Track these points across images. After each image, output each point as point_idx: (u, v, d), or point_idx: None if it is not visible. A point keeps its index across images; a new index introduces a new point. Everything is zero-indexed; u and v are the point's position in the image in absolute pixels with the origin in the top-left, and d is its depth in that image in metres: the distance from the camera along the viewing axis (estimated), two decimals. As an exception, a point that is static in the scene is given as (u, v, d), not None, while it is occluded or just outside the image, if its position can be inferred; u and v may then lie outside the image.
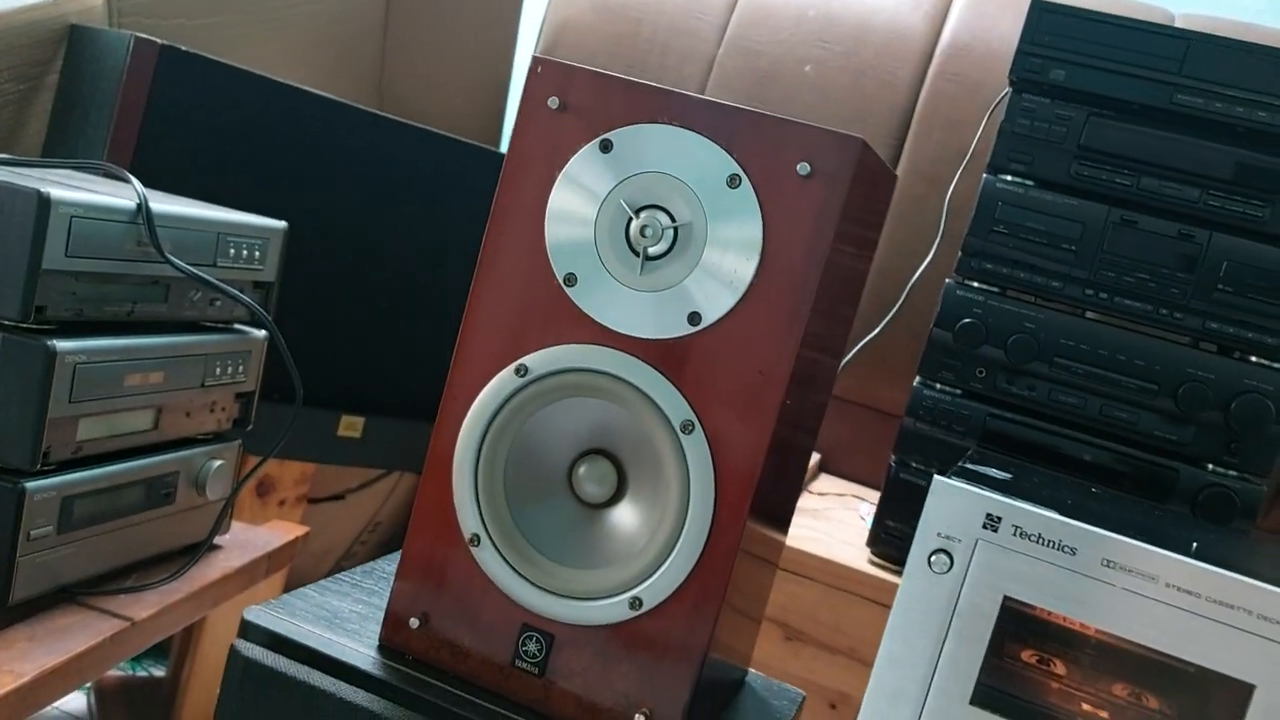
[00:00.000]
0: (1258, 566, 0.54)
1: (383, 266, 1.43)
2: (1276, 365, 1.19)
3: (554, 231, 0.65)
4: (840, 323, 0.73)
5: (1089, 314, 1.28)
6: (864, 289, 0.79)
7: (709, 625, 0.65)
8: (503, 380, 0.66)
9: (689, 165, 0.63)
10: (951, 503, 0.56)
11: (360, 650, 0.69)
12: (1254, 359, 1.24)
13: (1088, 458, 1.25)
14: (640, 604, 0.65)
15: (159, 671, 1.67)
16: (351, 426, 1.42)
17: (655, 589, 0.65)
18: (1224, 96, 1.18)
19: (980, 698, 0.56)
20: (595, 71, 0.65)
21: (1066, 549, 0.55)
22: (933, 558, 0.56)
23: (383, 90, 1.81)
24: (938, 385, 1.35)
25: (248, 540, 1.09)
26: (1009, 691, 0.55)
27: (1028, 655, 0.56)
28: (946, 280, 1.34)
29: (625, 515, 0.67)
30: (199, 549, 0.98)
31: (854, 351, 1.49)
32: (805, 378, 0.66)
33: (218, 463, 0.99)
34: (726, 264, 0.63)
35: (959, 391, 1.35)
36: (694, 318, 0.64)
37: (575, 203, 0.65)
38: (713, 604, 0.65)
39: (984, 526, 0.56)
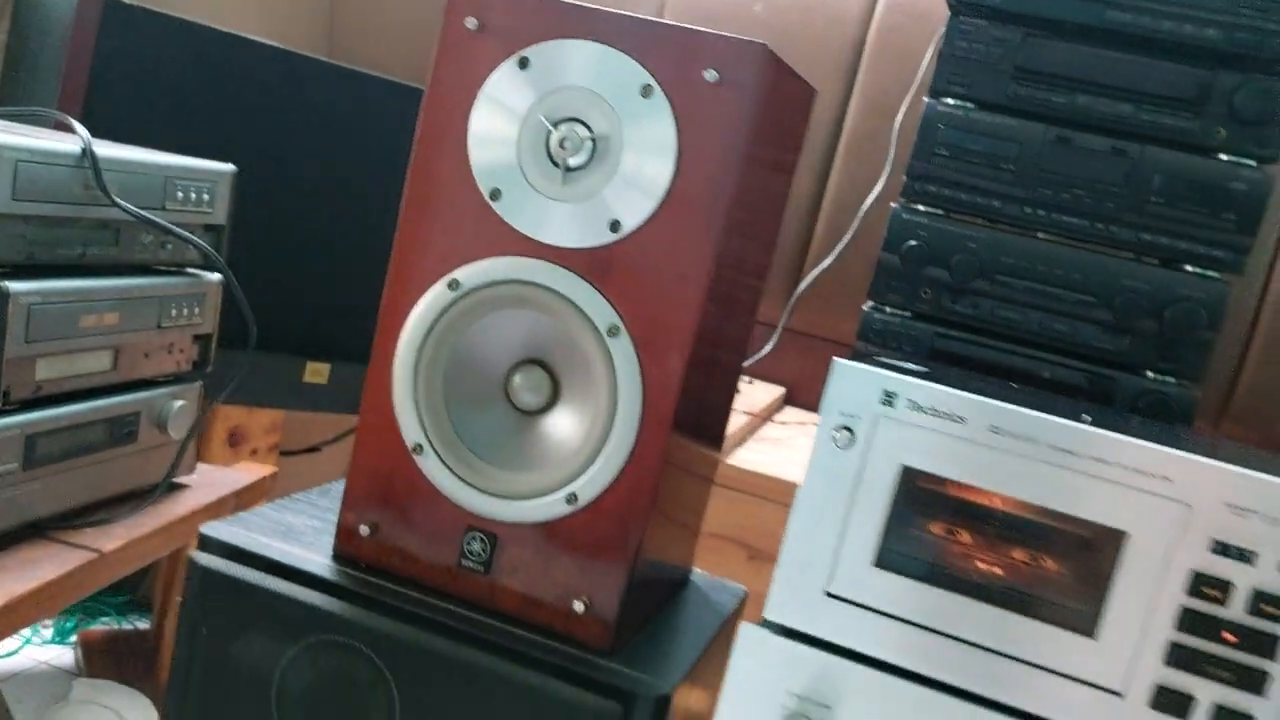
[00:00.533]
0: (1134, 433, 0.58)
1: (341, 213, 1.45)
2: (1209, 274, 1.23)
3: (477, 149, 0.68)
4: (761, 243, 0.76)
5: (1029, 232, 1.31)
6: (784, 210, 0.82)
7: (642, 518, 0.69)
8: (436, 294, 0.69)
9: (604, 78, 0.66)
10: (851, 382, 0.60)
11: (314, 558, 0.72)
12: (1188, 268, 1.28)
13: (1031, 370, 1.29)
14: (576, 499, 0.69)
15: (144, 624, 1.71)
16: (317, 373, 1.45)
17: (589, 485, 0.69)
18: (1152, 11, 1.21)
19: (884, 560, 0.60)
20: (511, -9, 0.68)
21: (956, 418, 0.59)
22: (836, 434, 0.60)
23: (332, 38, 1.82)
24: (887, 308, 1.39)
25: (216, 480, 1.12)
26: (910, 554, 0.59)
27: (928, 520, 0.60)
28: (892, 205, 1.37)
29: (560, 420, 0.71)
30: (162, 484, 1.02)
31: (808, 280, 1.53)
32: (726, 292, 0.70)
33: (179, 403, 1.02)
34: (644, 171, 0.66)
35: (907, 313, 1.38)
36: (615, 225, 0.67)
37: (496, 120, 0.68)
38: (644, 498, 0.69)
39: (881, 403, 0.60)
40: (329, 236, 1.46)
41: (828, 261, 1.50)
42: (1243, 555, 0.55)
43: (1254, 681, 0.55)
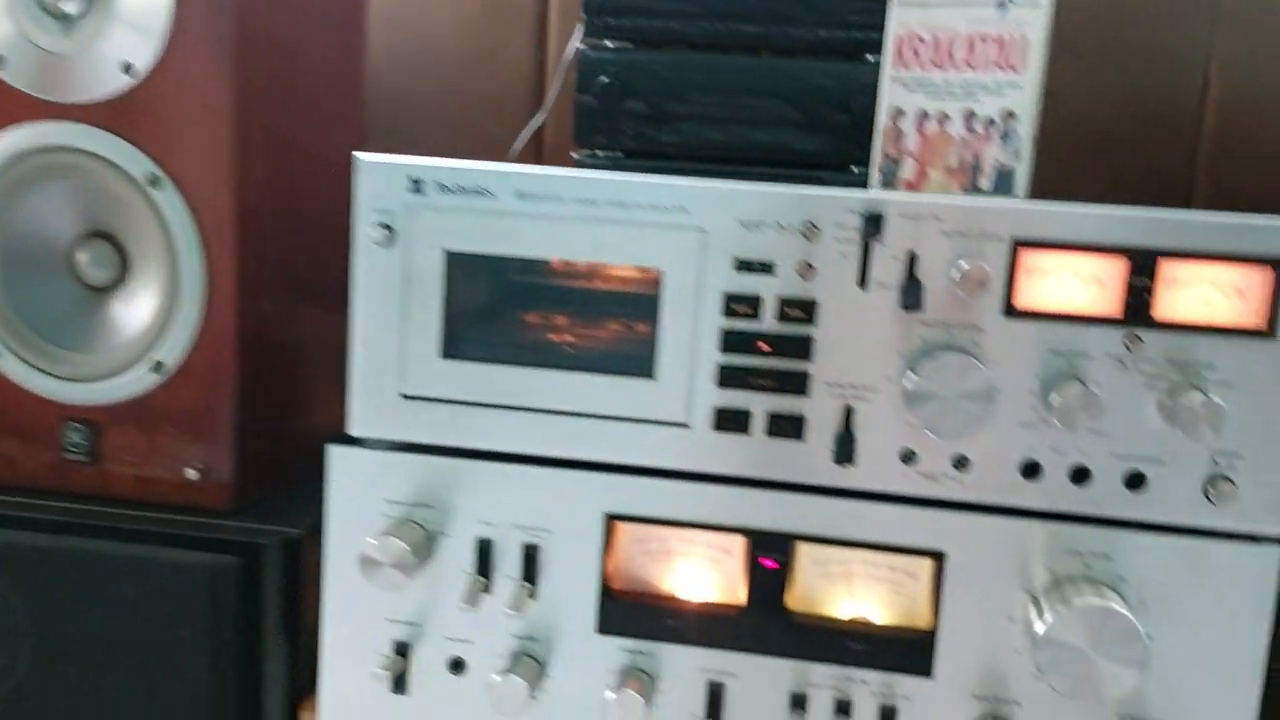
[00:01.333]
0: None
1: None
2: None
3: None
4: (322, 81, 0.74)
5: (713, 48, 1.30)
6: (359, 55, 0.79)
7: (231, 375, 0.67)
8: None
9: (70, -91, 0.61)
10: (378, 177, 0.58)
11: (-96, 486, 0.68)
12: (868, 57, 1.29)
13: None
14: (162, 367, 0.66)
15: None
16: None
17: (171, 351, 0.66)
18: None
19: (449, 350, 0.59)
20: None
21: (484, 192, 0.58)
22: (373, 232, 0.58)
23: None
24: (597, 152, 1.37)
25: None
26: (474, 338, 0.59)
27: (484, 301, 0.59)
28: (578, 46, 1.35)
29: (136, 291, 0.68)
30: None
31: (522, 140, 1.50)
32: (278, 128, 0.67)
33: None
34: (141, 7, 0.62)
35: (618, 153, 1.37)
36: (127, 68, 0.63)
37: (-28, -24, 0.62)
38: (228, 353, 0.66)
39: (411, 191, 0.58)
40: None
41: (539, 119, 1.48)
42: (763, 268, 0.56)
43: (797, 383, 0.56)
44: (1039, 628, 0.53)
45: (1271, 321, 0.53)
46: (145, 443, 0.68)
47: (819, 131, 1.31)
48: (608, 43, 1.34)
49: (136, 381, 0.67)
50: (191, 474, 0.68)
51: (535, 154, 1.68)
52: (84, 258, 0.68)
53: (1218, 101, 1.76)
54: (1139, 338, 0.54)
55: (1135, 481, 0.55)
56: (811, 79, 1.31)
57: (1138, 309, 0.53)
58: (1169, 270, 0.53)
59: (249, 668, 0.65)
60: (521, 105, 1.85)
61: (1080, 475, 0.55)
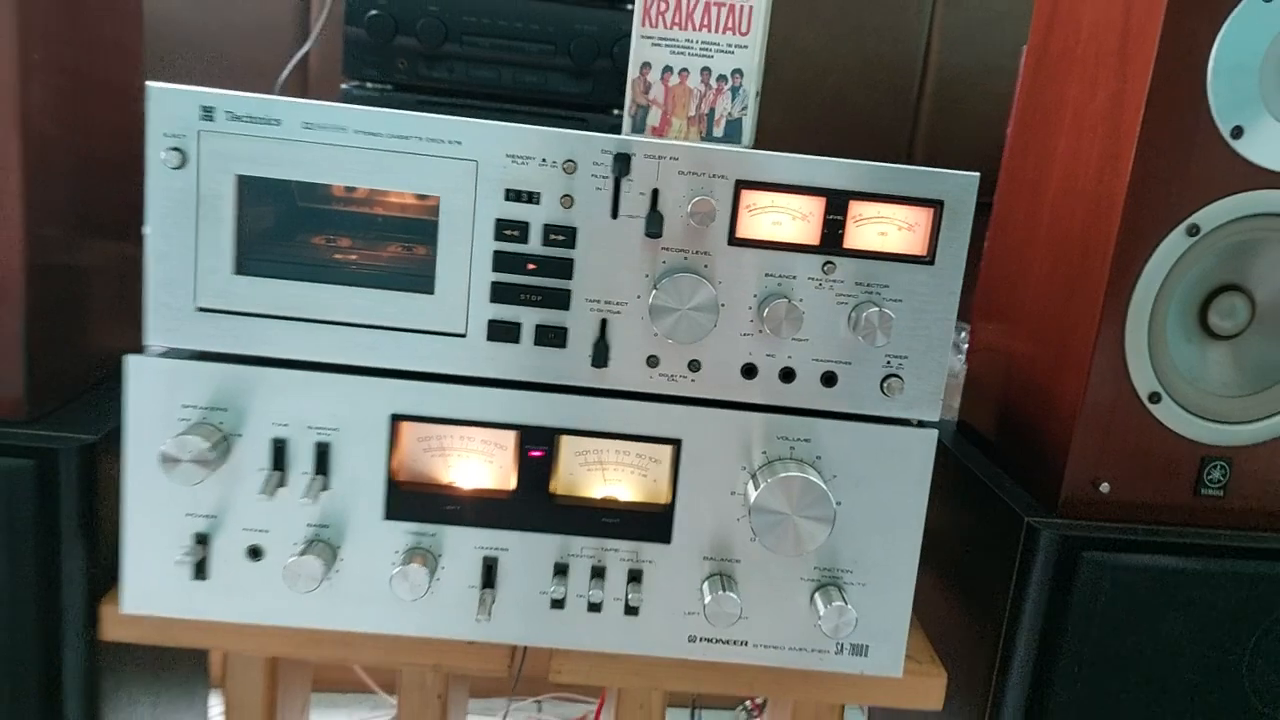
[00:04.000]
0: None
1: None
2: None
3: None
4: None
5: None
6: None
7: (19, 294, 0.70)
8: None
9: None
10: (170, 103, 0.63)
11: None
12: (628, 6, 1.39)
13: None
14: (-58, 282, 0.68)
15: None
16: None
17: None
18: None
19: (242, 267, 0.66)
20: None
21: (272, 121, 0.64)
22: (166, 156, 0.63)
23: None
24: (367, 84, 1.41)
25: None
26: (265, 256, 0.65)
27: (275, 221, 0.66)
28: (348, -24, 1.37)
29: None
30: None
31: (288, 70, 1.52)
32: (53, 56, 0.70)
33: None
34: (-85, -79, 0.63)
35: (389, 86, 1.41)
36: (-100, -16, 0.64)
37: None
38: (15, 275, 0.69)
39: (202, 119, 0.64)
40: None
41: (308, 45, 1.50)
42: (530, 197, 0.66)
43: (560, 299, 0.67)
44: (752, 495, 0.67)
45: (932, 251, 0.68)
46: (-71, 357, 0.70)
47: (584, 75, 1.42)
48: (378, -25, 1.39)
49: (-85, 297, 0.69)
50: (-26, 389, 0.71)
51: (301, 83, 1.70)
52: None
53: (936, 69, 2.01)
54: (833, 263, 0.68)
55: (829, 380, 0.69)
56: (578, 25, 1.41)
57: (832, 240, 0.67)
58: (856, 209, 0.67)
59: (48, 568, 0.70)
60: (287, 34, 1.84)
61: (787, 375, 0.69)
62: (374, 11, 1.36)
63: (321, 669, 1.44)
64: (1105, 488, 0.76)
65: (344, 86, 1.40)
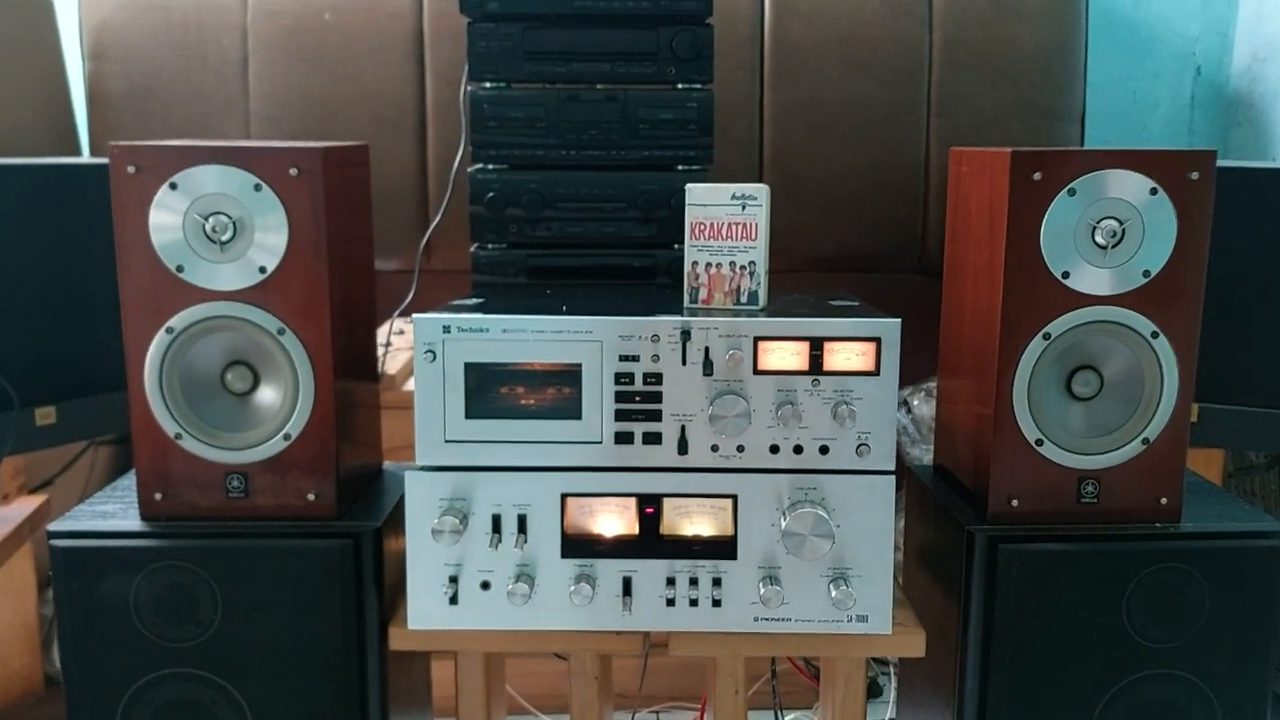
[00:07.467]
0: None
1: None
2: (691, 168, 1.83)
3: (159, 240, 1.14)
4: (361, 244, 1.27)
5: (569, 167, 1.87)
6: (370, 213, 1.32)
7: (333, 435, 1.19)
8: (159, 339, 1.15)
9: (229, 184, 1.13)
10: (427, 326, 1.13)
11: (130, 523, 1.18)
12: (678, 168, 1.88)
13: (600, 264, 1.87)
14: (290, 437, 1.18)
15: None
16: (46, 416, 1.81)
17: (295, 425, 1.18)
18: (602, -2, 1.77)
19: (470, 413, 1.14)
20: (154, 144, 1.13)
21: (483, 330, 1.13)
22: (425, 355, 1.13)
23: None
24: (489, 245, 1.92)
25: (4, 516, 1.50)
26: (484, 406, 1.14)
27: (488, 386, 1.15)
28: (469, 169, 1.89)
29: (266, 394, 1.19)
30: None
31: (429, 233, 2.03)
32: (343, 287, 1.20)
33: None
34: (269, 238, 1.14)
35: (504, 245, 1.92)
36: (262, 269, 1.15)
37: (166, 220, 1.13)
38: (329, 423, 1.19)
39: (444, 331, 1.13)
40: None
41: (437, 218, 2.02)
42: (633, 358, 1.14)
43: (655, 416, 1.14)
44: (784, 525, 1.13)
45: (878, 366, 1.14)
46: (281, 483, 1.20)
47: (650, 222, 1.91)
48: (490, 166, 1.90)
49: (274, 446, 1.19)
50: (311, 497, 1.20)
51: (426, 242, 2.20)
52: (230, 376, 1.19)
53: (936, 166, 2.50)
54: (818, 380, 1.14)
55: (824, 450, 1.15)
56: (642, 185, 1.91)
57: (816, 365, 1.14)
58: (829, 346, 1.14)
59: (358, 605, 1.18)
60: (407, 201, 2.38)
61: (798, 449, 1.15)
62: (491, 194, 1.88)
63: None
64: (1016, 502, 1.21)
65: (473, 250, 1.91)
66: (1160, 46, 2.80)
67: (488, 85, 1.85)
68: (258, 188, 1.14)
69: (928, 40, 2.35)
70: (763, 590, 1.15)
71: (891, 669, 1.88)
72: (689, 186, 1.25)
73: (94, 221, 1.73)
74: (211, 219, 1.14)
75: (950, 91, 2.36)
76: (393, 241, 2.28)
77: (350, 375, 1.26)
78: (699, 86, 1.87)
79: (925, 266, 2.42)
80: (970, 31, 2.37)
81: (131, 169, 1.13)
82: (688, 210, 1.25)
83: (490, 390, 1.15)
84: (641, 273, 1.92)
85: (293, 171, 1.14)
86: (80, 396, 1.89)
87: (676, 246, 1.91)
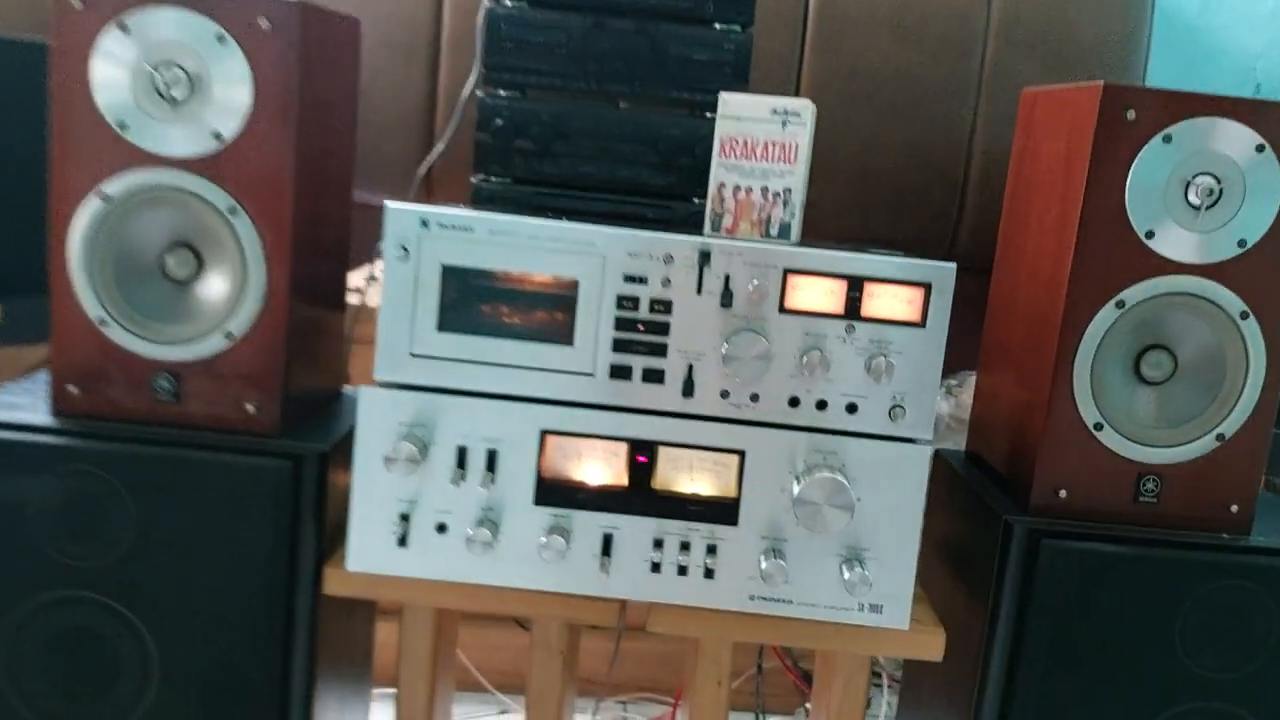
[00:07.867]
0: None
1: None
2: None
3: (101, 90, 0.97)
4: (337, 135, 1.11)
5: (587, 100, 1.71)
6: (355, 107, 1.16)
7: (281, 344, 1.03)
8: (92, 206, 0.99)
9: (188, 32, 0.96)
10: (401, 217, 0.96)
11: (38, 416, 1.01)
12: (707, 114, 1.72)
13: (612, 210, 1.70)
14: (232, 336, 1.02)
15: None
16: (-12, 316, 1.64)
17: (239, 323, 1.02)
18: (641, -85, 1.61)
19: (442, 325, 0.97)
20: (104, -25, 0.96)
21: (467, 228, 0.97)
22: (396, 253, 0.96)
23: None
24: (492, 178, 1.75)
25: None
26: (458, 318, 0.98)
27: (465, 295, 0.98)
28: (477, 93, 1.72)
29: (211, 284, 1.03)
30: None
31: (427, 163, 1.87)
32: (313, 167, 1.04)
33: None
34: (231, 96, 0.98)
35: (508, 180, 1.75)
36: (217, 136, 0.99)
37: (111, 67, 0.97)
38: (279, 329, 1.02)
39: (421, 225, 0.96)
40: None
41: (440, 146, 1.85)
42: (640, 280, 0.97)
43: (660, 350, 0.98)
44: (796, 491, 0.96)
45: (924, 317, 0.97)
46: (218, 389, 1.04)
47: (670, 170, 1.74)
48: (501, 91, 1.74)
49: (212, 344, 1.03)
50: (250, 409, 1.04)
51: (426, 174, 2.04)
52: (171, 261, 1.03)
53: (979, 150, 2.33)
54: (853, 327, 0.98)
55: (852, 409, 0.99)
56: (665, 129, 1.74)
57: (853, 309, 0.97)
58: (869, 288, 0.97)
59: (291, 537, 1.02)
60: (412, 134, 2.22)
61: (821, 405, 0.99)
62: (499, 121, 1.72)
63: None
64: (1064, 494, 1.04)
65: (473, 180, 1.75)
66: (1222, 59, 2.65)
67: (507, 2, 1.69)
68: (221, 39, 0.98)
69: (985, 15, 2.19)
70: (764, 564, 0.99)
71: (885, 681, 1.71)
72: (722, 95, 1.09)
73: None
74: (164, 71, 0.98)
75: (1003, 71, 2.20)
76: (394, 178, 2.13)
77: (312, 279, 1.09)
78: (738, 29, 1.70)
79: (956, 257, 2.26)
80: (1032, 11, 2.21)
81: (78, 3, 0.97)
82: (718, 123, 1.09)
83: (469, 301, 0.99)
84: (656, 225, 1.75)
85: (263, 23, 0.97)
86: (36, 294, 1.73)
87: (697, 200, 1.75)
